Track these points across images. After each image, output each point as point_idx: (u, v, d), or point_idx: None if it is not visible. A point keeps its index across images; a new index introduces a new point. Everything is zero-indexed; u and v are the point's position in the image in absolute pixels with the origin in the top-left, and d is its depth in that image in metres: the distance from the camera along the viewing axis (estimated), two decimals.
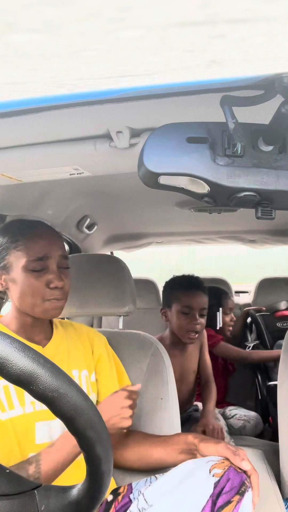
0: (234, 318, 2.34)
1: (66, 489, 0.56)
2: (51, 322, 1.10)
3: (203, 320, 1.71)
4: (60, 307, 1.02)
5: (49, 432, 0.95)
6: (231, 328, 2.31)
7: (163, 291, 1.84)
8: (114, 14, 0.33)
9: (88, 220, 1.57)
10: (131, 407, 0.96)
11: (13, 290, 1.01)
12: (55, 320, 1.12)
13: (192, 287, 1.72)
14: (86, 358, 1.11)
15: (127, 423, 0.95)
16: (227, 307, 2.28)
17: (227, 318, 2.28)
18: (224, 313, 2.27)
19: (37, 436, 0.95)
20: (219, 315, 2.21)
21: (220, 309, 2.23)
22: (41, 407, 0.94)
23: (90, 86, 0.50)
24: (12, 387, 0.95)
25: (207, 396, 1.80)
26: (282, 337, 1.64)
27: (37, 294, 0.98)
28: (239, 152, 0.58)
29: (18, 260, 0.99)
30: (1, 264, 1.01)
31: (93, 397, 1.10)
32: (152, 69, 0.46)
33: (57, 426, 0.96)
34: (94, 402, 1.10)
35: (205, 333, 1.90)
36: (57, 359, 1.04)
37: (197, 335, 1.69)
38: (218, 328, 2.22)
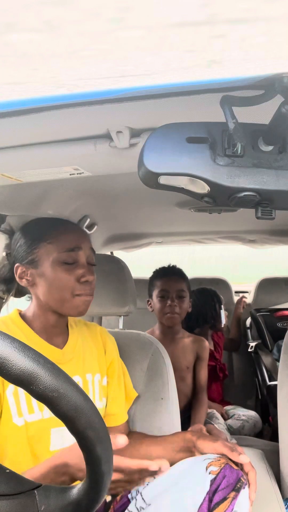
0: (226, 313, 2.38)
1: (66, 489, 0.56)
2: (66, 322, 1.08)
3: (181, 303, 1.82)
4: (89, 303, 1.00)
5: (62, 439, 0.93)
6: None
7: (148, 286, 1.97)
8: (114, 14, 0.33)
9: (88, 220, 1.57)
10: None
11: (40, 285, 0.98)
12: (70, 319, 1.09)
13: (166, 273, 1.88)
14: (100, 361, 1.09)
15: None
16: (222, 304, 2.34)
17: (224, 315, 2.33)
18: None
19: (52, 443, 0.92)
20: (223, 313, 2.28)
21: (223, 306, 2.29)
22: None
23: (90, 86, 0.50)
24: None
25: (197, 407, 1.81)
26: (282, 337, 1.64)
27: (67, 289, 0.96)
28: (239, 152, 0.58)
29: (48, 253, 0.97)
30: (29, 258, 0.99)
31: (104, 402, 1.08)
32: (152, 69, 0.46)
33: (70, 434, 0.92)
34: (104, 408, 1.08)
35: (207, 346, 1.92)
36: (73, 362, 1.02)
37: (176, 316, 1.80)
38: (222, 325, 2.28)
